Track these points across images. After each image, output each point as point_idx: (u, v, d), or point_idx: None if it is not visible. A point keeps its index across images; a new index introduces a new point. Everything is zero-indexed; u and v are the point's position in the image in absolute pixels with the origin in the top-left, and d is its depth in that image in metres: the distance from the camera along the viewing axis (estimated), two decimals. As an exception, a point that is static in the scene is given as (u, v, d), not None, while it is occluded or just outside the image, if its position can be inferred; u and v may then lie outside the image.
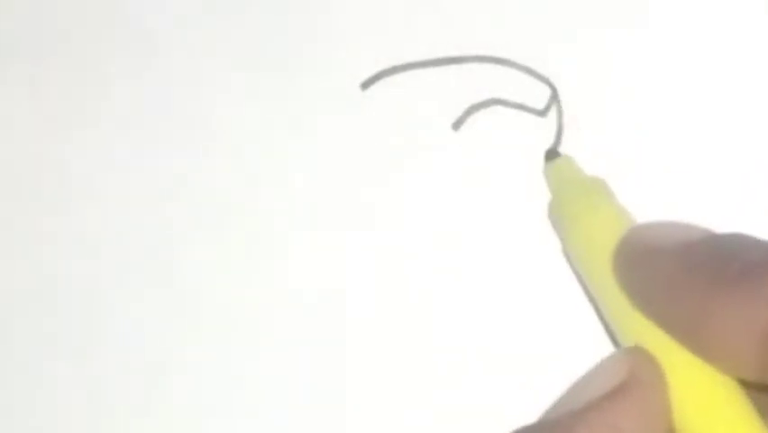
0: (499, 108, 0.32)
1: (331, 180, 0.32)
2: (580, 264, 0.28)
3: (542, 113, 0.32)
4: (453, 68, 0.32)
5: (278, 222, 0.32)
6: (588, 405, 0.22)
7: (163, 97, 0.33)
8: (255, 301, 0.31)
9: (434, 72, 0.32)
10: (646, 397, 0.23)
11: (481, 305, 0.31)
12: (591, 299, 0.29)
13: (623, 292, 0.25)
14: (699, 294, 0.22)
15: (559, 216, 0.29)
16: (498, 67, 0.32)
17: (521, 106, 0.32)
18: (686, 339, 0.23)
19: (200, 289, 0.31)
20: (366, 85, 0.32)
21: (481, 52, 0.32)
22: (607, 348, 0.28)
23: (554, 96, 0.32)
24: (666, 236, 0.24)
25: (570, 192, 0.29)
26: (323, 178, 0.32)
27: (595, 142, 0.31)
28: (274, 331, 0.31)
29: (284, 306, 0.31)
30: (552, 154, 0.31)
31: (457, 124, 0.32)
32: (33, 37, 0.33)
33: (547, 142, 0.31)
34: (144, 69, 0.33)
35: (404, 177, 0.32)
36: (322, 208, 0.32)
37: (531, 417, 0.23)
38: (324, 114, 0.32)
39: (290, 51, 0.33)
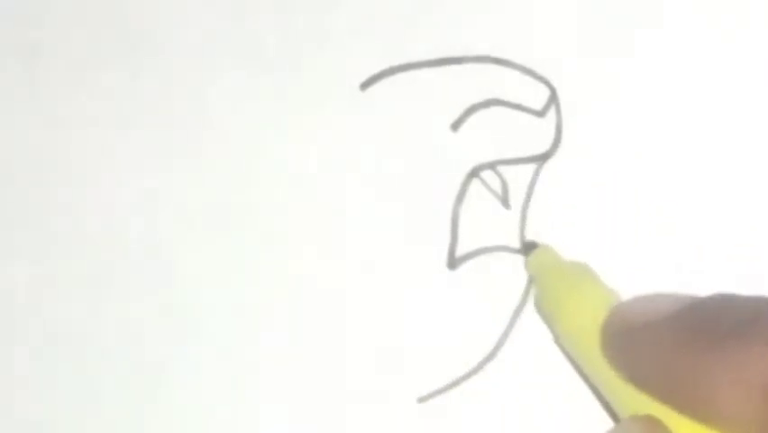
0: (498, 108, 0.32)
1: (331, 180, 0.32)
2: (570, 349, 0.28)
3: (540, 113, 0.32)
4: (453, 68, 0.32)
5: (277, 222, 0.32)
6: None
7: (163, 97, 0.33)
8: (255, 301, 0.31)
9: (433, 72, 0.32)
10: None
11: (478, 305, 0.31)
12: (588, 383, 0.28)
13: (614, 371, 0.25)
14: (692, 361, 0.22)
15: (545, 305, 0.29)
16: (498, 67, 0.32)
17: (520, 107, 0.32)
18: (685, 407, 0.23)
19: (200, 289, 0.31)
20: (366, 85, 0.32)
21: (481, 53, 0.32)
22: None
23: (553, 97, 0.32)
24: (650, 311, 0.24)
25: (552, 280, 0.29)
26: (322, 178, 0.32)
27: (593, 143, 0.32)
28: (274, 331, 0.31)
29: (284, 306, 0.31)
30: (530, 247, 0.30)
31: (456, 125, 0.32)
32: (33, 37, 0.33)
33: (546, 143, 0.32)
34: (144, 69, 0.33)
35: (403, 177, 0.32)
36: (321, 208, 0.32)
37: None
38: (324, 114, 0.32)
39: (290, 51, 0.33)
